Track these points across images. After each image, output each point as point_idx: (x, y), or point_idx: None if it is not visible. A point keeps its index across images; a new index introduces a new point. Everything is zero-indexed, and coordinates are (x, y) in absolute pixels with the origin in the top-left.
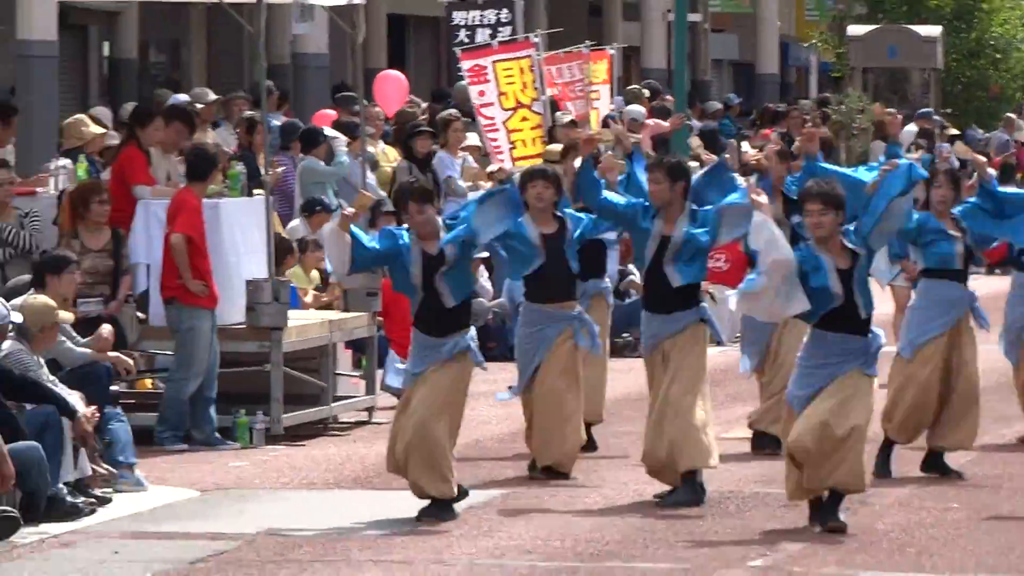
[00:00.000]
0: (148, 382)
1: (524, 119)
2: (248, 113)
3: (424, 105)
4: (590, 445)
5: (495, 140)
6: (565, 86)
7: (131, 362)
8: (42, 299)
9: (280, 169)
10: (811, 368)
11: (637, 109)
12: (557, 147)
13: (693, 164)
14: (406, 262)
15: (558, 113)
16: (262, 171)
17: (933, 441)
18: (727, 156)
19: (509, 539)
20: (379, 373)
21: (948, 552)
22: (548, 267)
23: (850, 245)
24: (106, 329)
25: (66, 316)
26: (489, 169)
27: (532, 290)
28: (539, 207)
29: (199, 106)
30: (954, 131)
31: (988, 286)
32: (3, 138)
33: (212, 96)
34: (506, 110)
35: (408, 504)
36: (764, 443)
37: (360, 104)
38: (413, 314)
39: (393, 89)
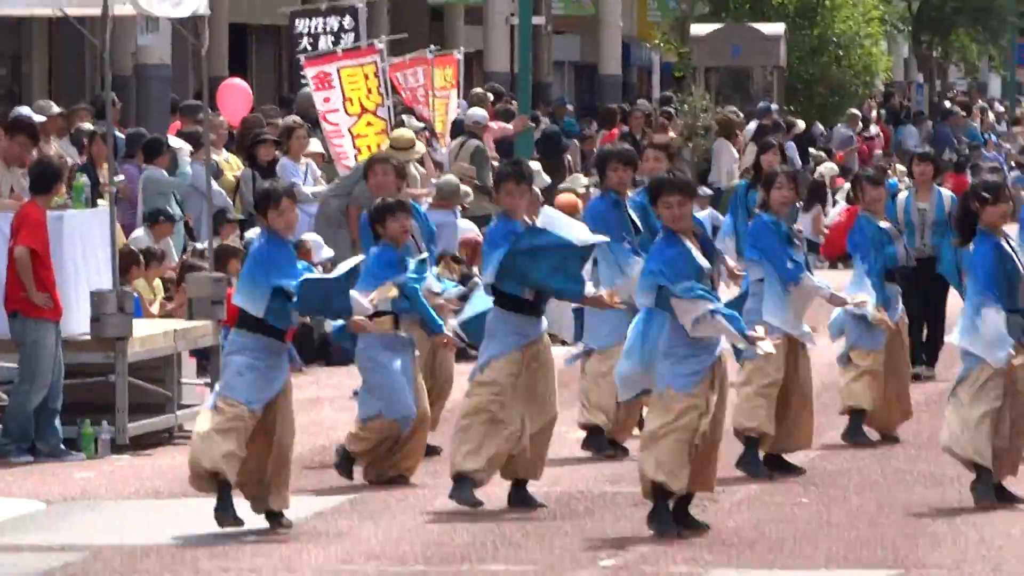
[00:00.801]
0: None
1: (369, 124)
2: (88, 125)
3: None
4: (433, 450)
5: (340, 146)
6: (412, 91)
7: None
8: None
9: (119, 178)
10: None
11: (479, 112)
12: (407, 133)
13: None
14: None
15: (408, 117)
16: (102, 182)
17: (773, 445)
18: None
19: (357, 544)
20: None
21: (798, 548)
22: None
23: None
24: None
25: None
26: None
27: None
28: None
29: (42, 119)
30: (800, 124)
31: (832, 280)
32: None
33: (56, 109)
34: (351, 116)
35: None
36: (604, 444)
37: (204, 113)
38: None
39: (237, 98)
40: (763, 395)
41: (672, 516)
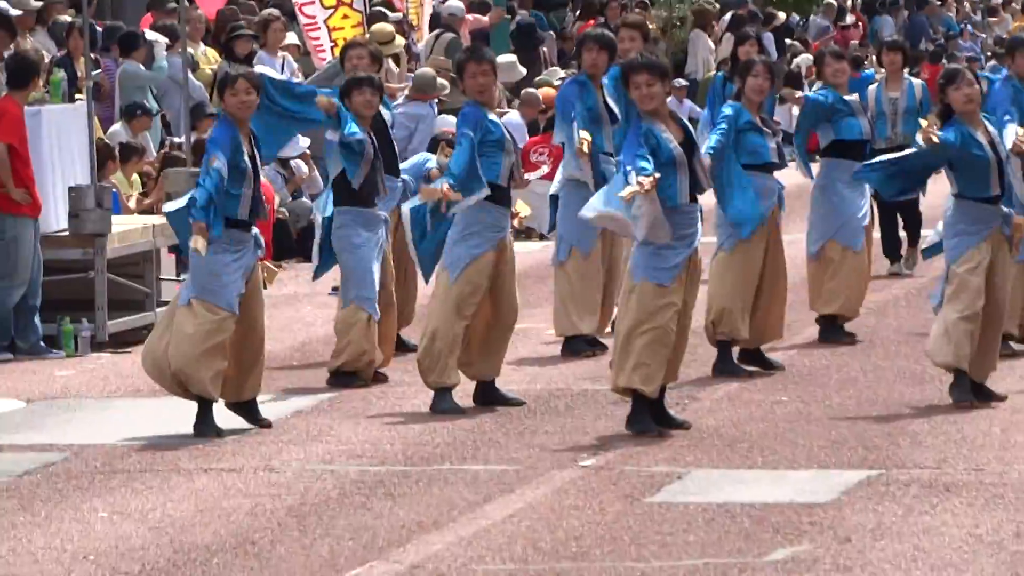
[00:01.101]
0: None
1: (345, 16)
2: (66, 18)
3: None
4: (406, 345)
5: (316, 39)
6: None
7: None
8: None
9: (97, 72)
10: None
11: (455, 4)
12: (386, 26)
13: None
14: None
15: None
16: (80, 76)
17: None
18: None
19: (339, 444)
20: None
21: (780, 447)
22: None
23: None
24: None
25: None
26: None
27: None
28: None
29: (18, 12)
30: (781, 15)
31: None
32: None
33: (34, 3)
34: (327, 8)
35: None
36: (579, 346)
37: (180, 5)
38: None
39: None
40: None
41: (651, 415)
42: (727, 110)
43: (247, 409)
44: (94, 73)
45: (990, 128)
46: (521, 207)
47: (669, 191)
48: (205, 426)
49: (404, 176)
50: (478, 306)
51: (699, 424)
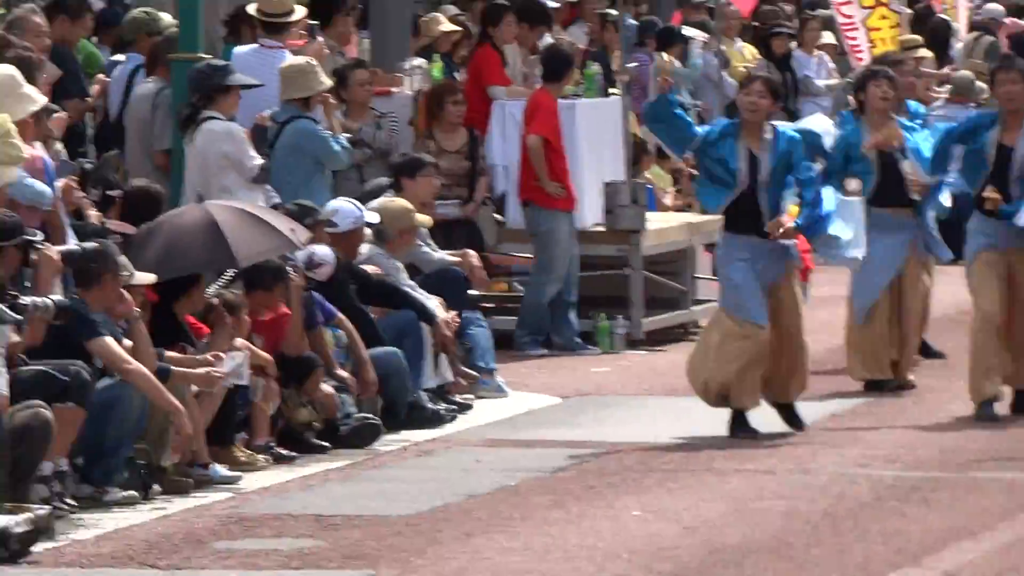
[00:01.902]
0: (504, 284)
1: (883, 17)
2: (603, 11)
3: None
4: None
5: (854, 39)
6: None
7: (486, 279)
8: (399, 202)
9: (632, 65)
10: None
11: (996, 7)
12: (915, 38)
13: None
14: None
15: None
16: (615, 70)
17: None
18: None
19: (874, 448)
20: None
21: None
22: None
23: None
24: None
25: (424, 219)
26: None
27: None
28: None
29: (555, 5)
30: None
31: None
32: (345, 36)
33: None
34: (864, 8)
35: (770, 413)
36: None
37: (715, 2)
38: None
39: None
40: None
41: None
42: None
43: (787, 410)
44: (630, 67)
45: None
46: None
47: None
48: (741, 428)
49: None
50: None
51: None
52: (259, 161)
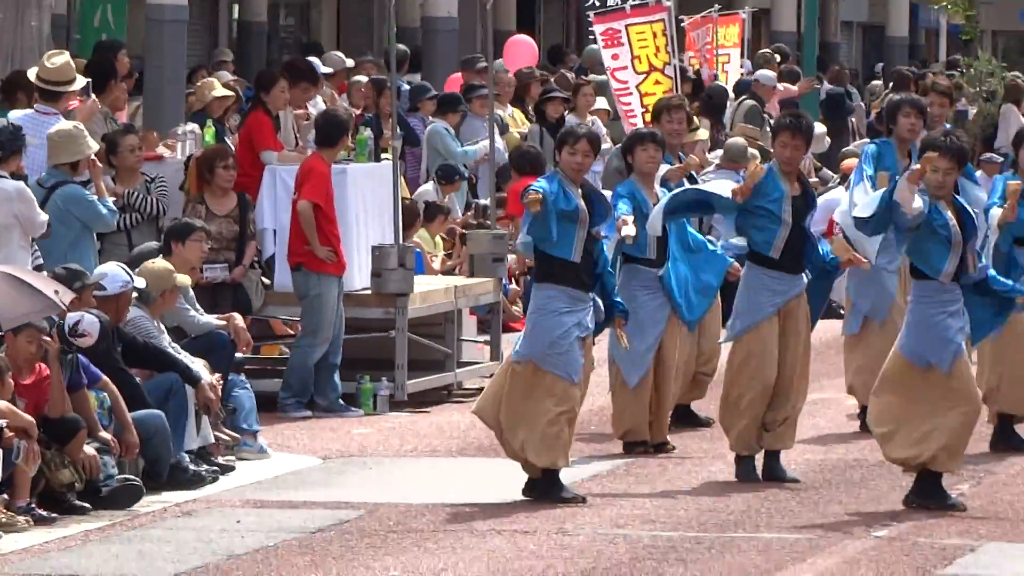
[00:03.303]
0: (277, 348)
1: (657, 82)
2: (368, 78)
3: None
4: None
5: (628, 104)
6: (700, 51)
7: (250, 341)
8: (161, 263)
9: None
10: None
11: (768, 74)
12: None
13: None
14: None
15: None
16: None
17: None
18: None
19: (632, 509)
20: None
21: None
22: None
23: None
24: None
25: (184, 280)
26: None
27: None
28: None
29: (328, 71)
30: None
31: None
32: (118, 103)
33: (348, 62)
34: (639, 74)
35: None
36: None
37: (489, 67)
38: None
39: (523, 54)
40: None
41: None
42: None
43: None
44: (400, 133)
45: None
46: None
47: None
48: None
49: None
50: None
51: (994, 498)
52: (45, 217)
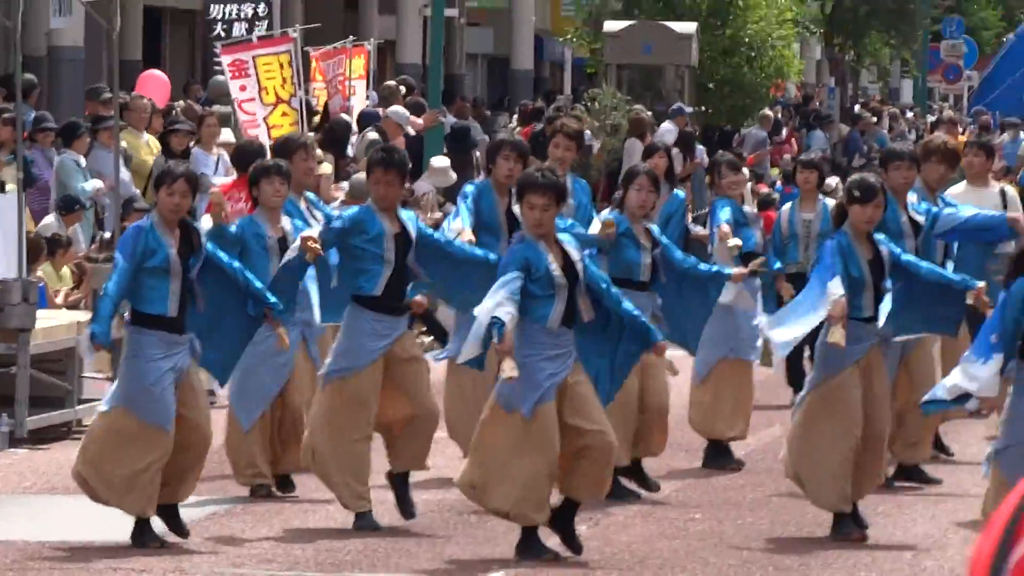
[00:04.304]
0: None
1: (284, 114)
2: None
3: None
4: None
5: (256, 136)
6: (331, 82)
7: None
8: None
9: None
10: None
11: (400, 112)
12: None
13: (442, 161)
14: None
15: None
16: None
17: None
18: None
19: (250, 548)
20: None
21: (691, 564)
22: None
23: None
24: None
25: None
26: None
27: None
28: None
29: None
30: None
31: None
32: None
33: None
34: (266, 105)
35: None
36: None
37: (114, 97)
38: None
39: (155, 89)
40: None
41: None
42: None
43: (169, 513)
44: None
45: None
46: None
47: (541, 311)
48: (146, 536)
49: None
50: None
51: (611, 539)
52: None
